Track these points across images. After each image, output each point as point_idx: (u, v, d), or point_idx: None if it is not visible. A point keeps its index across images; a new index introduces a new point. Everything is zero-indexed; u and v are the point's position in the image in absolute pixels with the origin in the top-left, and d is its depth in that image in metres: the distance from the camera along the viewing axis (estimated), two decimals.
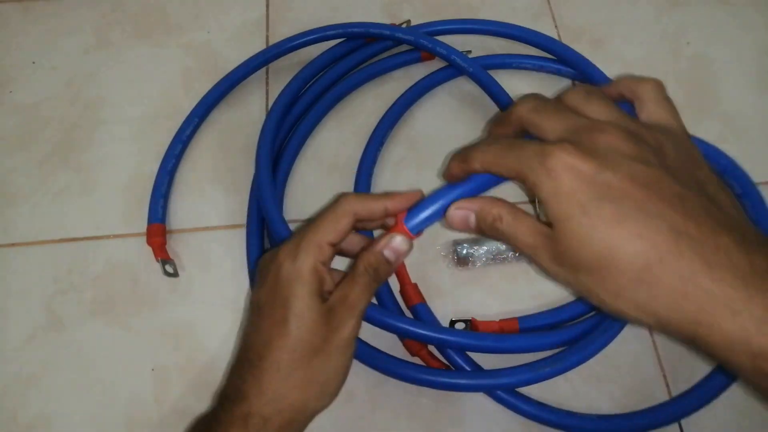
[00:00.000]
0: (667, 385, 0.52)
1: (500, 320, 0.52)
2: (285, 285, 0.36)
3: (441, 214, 0.35)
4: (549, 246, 0.30)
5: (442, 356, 0.52)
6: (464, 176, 0.34)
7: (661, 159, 0.29)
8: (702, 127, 0.65)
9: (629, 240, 0.27)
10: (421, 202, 0.37)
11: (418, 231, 0.37)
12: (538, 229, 0.31)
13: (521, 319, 0.52)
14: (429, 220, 0.36)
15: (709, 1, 0.74)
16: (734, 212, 0.29)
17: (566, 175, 0.28)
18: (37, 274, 0.57)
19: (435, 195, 0.36)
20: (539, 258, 0.31)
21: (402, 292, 0.54)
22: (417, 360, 0.52)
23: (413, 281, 0.55)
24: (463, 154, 0.34)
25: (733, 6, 0.73)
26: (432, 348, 0.53)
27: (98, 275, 0.57)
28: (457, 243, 0.57)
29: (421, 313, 0.53)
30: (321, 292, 0.37)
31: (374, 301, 0.54)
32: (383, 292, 0.54)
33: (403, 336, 0.52)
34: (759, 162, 0.63)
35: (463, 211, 0.34)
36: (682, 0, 0.74)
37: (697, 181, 0.29)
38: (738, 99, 0.67)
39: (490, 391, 0.50)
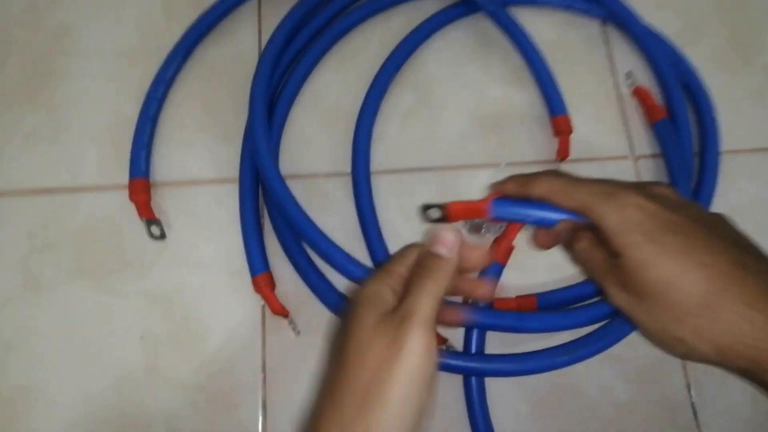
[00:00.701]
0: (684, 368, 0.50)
1: (517, 297, 0.49)
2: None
3: (524, 219, 0.36)
4: (616, 273, 0.31)
5: None
6: (516, 197, 0.36)
7: (704, 210, 0.33)
8: (743, 78, 0.59)
9: (695, 267, 0.29)
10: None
11: (497, 216, 0.37)
12: (608, 258, 0.32)
13: (540, 296, 0.49)
14: (512, 214, 0.36)
15: None
16: None
17: (633, 209, 0.30)
18: (8, 229, 0.52)
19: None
20: (607, 284, 0.32)
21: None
22: None
23: None
24: (525, 178, 0.35)
25: None
26: None
27: (76, 232, 0.52)
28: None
29: None
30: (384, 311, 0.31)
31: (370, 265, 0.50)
32: (378, 255, 0.50)
33: None
34: None
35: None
36: None
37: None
38: None
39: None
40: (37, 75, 0.56)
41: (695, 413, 0.49)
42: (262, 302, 0.50)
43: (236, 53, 0.58)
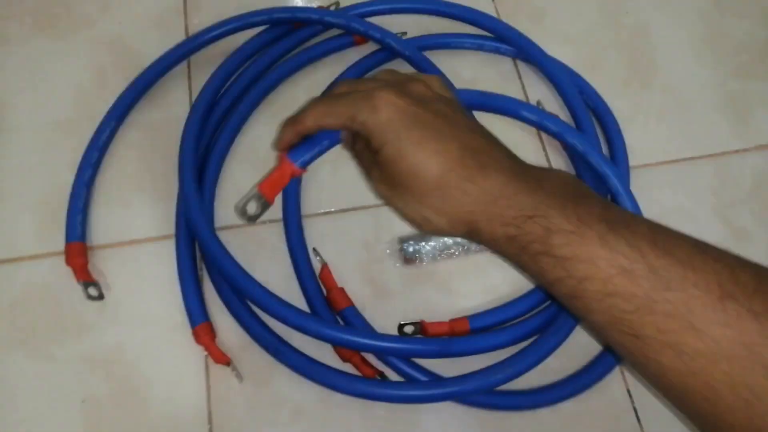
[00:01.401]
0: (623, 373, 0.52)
1: (450, 320, 0.50)
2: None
3: (322, 152, 0.40)
4: (378, 168, 0.36)
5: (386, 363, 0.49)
6: (298, 140, 0.39)
7: (450, 102, 0.38)
8: (644, 98, 0.64)
9: (431, 155, 0.34)
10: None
11: (301, 165, 0.40)
12: (372, 156, 0.37)
13: (471, 318, 0.50)
14: (309, 156, 0.40)
15: None
16: (496, 139, 0.38)
17: (387, 109, 0.34)
18: None
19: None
20: (372, 178, 0.38)
21: (328, 297, 0.51)
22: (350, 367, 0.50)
23: (358, 282, 0.53)
24: (293, 117, 0.39)
25: None
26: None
27: (13, 302, 0.52)
28: (403, 240, 0.54)
29: (350, 317, 0.50)
30: None
31: (307, 309, 0.51)
32: (313, 298, 0.51)
33: (334, 344, 0.49)
34: (701, 133, 0.62)
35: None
36: None
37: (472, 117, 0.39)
38: (678, 69, 0.66)
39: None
40: None
41: (638, 418, 0.50)
42: (205, 354, 0.50)
43: (168, 116, 0.60)
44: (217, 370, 0.50)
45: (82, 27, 0.64)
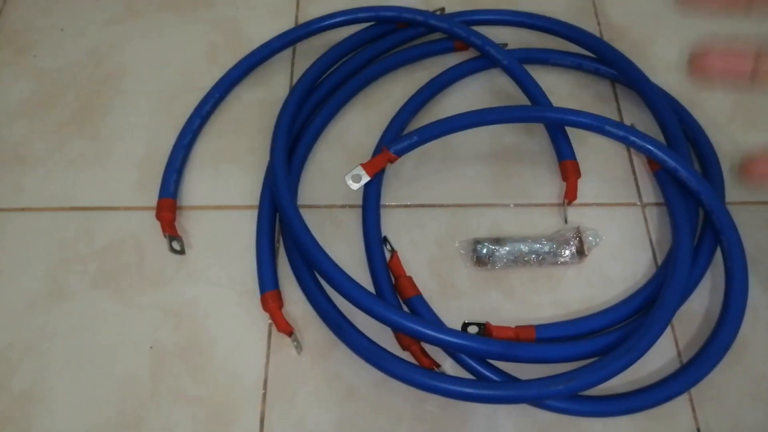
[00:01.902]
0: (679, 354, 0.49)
1: (516, 327, 0.49)
2: None
3: None
4: None
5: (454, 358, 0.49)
6: None
7: None
8: (747, 141, 0.61)
9: None
10: None
11: None
12: None
13: (539, 327, 0.49)
14: None
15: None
16: None
17: None
18: (43, 241, 0.56)
19: None
20: None
21: (397, 285, 0.52)
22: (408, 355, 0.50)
23: (426, 276, 0.53)
24: None
25: None
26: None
27: (105, 247, 0.55)
28: (477, 241, 0.54)
29: (417, 305, 0.50)
30: None
31: (372, 291, 0.52)
32: (381, 282, 0.52)
33: (400, 331, 0.49)
34: None
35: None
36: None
37: None
38: None
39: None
40: (89, 108, 0.63)
41: None
42: (269, 321, 0.52)
43: (268, 96, 0.63)
44: (279, 339, 0.51)
45: (202, 7, 0.69)
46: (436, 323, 0.50)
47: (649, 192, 0.58)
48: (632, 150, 0.60)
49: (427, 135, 0.55)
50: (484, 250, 0.53)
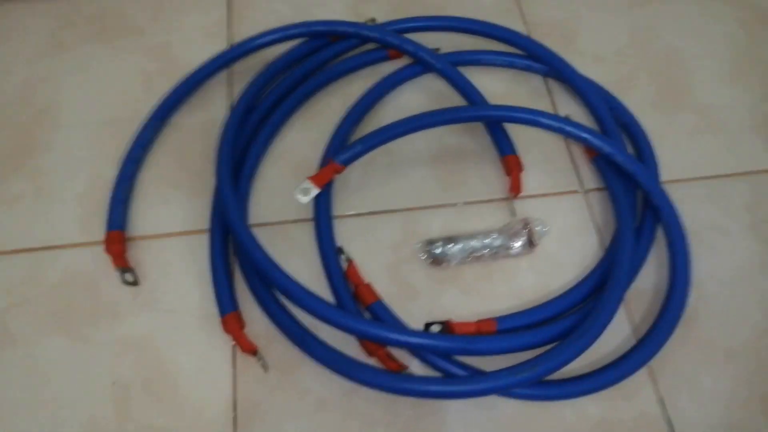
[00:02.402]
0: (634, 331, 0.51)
1: (477, 321, 0.50)
2: None
3: None
4: None
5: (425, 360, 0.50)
6: None
7: None
8: (677, 119, 0.64)
9: None
10: None
11: None
12: None
13: (500, 319, 0.51)
14: None
15: None
16: None
17: None
18: None
19: None
20: None
21: (356, 294, 0.52)
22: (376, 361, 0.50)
23: (385, 281, 0.54)
24: None
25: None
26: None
27: (54, 286, 0.54)
28: (431, 242, 0.55)
29: (378, 311, 0.51)
30: None
31: (332, 300, 0.53)
32: (341, 292, 0.52)
33: (364, 338, 0.50)
34: (734, 151, 0.63)
35: None
36: None
37: None
38: (711, 90, 0.67)
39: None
40: (24, 147, 0.61)
41: (672, 427, 0.49)
42: (233, 343, 0.52)
43: (208, 119, 0.63)
44: (244, 359, 0.51)
45: (133, 35, 0.68)
46: (399, 326, 0.51)
47: (589, 179, 0.60)
48: (569, 140, 0.63)
49: (370, 143, 0.56)
50: (438, 250, 0.55)
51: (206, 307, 0.53)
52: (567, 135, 0.58)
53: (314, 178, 0.55)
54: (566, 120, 0.57)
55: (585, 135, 0.56)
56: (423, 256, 0.55)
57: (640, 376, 0.51)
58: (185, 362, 0.51)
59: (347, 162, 0.56)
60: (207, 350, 0.51)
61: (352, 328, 0.48)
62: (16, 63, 0.66)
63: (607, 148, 0.56)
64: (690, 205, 0.58)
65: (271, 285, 0.52)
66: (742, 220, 0.58)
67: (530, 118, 0.57)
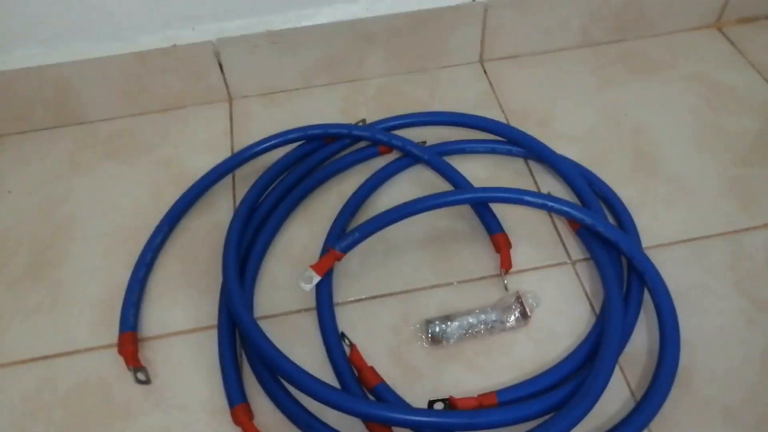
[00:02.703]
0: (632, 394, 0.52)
1: (478, 395, 0.52)
2: None
3: None
4: None
5: None
6: None
7: None
8: (652, 189, 0.68)
9: None
10: None
11: None
12: None
13: (500, 392, 0.52)
14: None
15: (638, 76, 0.80)
16: None
17: None
18: (5, 396, 0.56)
19: None
20: None
21: (360, 377, 0.54)
22: None
23: (388, 363, 0.55)
24: None
25: (660, 77, 0.80)
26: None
27: (68, 391, 0.56)
28: (429, 321, 0.57)
29: (382, 393, 0.53)
30: None
31: (337, 385, 0.54)
32: (345, 377, 0.54)
33: (369, 420, 0.51)
34: (711, 215, 0.66)
35: None
36: (614, 78, 0.81)
37: None
38: (681, 160, 0.71)
39: None
40: (43, 260, 0.65)
41: None
42: None
43: (214, 222, 0.67)
44: None
45: (143, 152, 0.75)
46: (403, 406, 0.52)
47: (576, 250, 0.63)
48: (553, 214, 0.66)
49: (367, 230, 0.60)
50: (437, 329, 0.57)
51: (216, 402, 0.54)
52: (550, 210, 0.61)
53: (316, 267, 0.58)
54: (548, 196, 0.60)
55: (566, 209, 0.59)
56: (423, 335, 0.57)
57: None
58: None
59: (346, 249, 0.59)
60: None
61: (358, 410, 0.49)
62: (36, 183, 0.72)
63: (588, 220, 0.59)
64: (673, 268, 0.60)
65: (277, 374, 0.54)
66: (726, 278, 0.60)
67: (515, 197, 0.61)
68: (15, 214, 0.69)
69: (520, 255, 0.62)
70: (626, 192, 0.66)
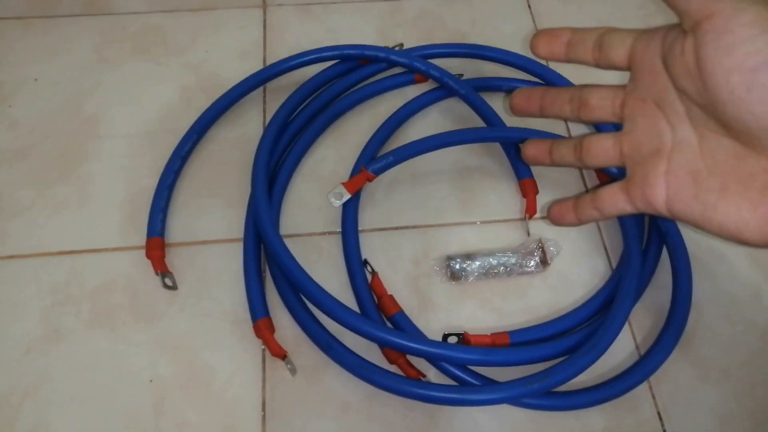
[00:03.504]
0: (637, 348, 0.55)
1: (492, 334, 0.54)
2: None
3: None
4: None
5: (437, 368, 0.53)
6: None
7: None
8: None
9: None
10: None
11: None
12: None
13: (513, 333, 0.54)
14: None
15: None
16: None
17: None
18: (34, 286, 0.57)
19: None
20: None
21: (379, 304, 0.56)
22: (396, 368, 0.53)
23: (406, 294, 0.57)
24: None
25: None
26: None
27: (96, 287, 0.57)
28: (450, 258, 0.58)
29: (400, 321, 0.54)
30: None
31: (357, 309, 0.56)
32: (365, 302, 0.56)
33: (386, 347, 0.53)
34: None
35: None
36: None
37: None
38: None
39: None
40: (71, 155, 0.64)
41: None
42: (263, 347, 0.55)
43: (243, 134, 0.66)
44: (273, 363, 0.54)
45: (174, 53, 0.72)
46: (419, 336, 0.54)
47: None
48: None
49: (401, 155, 0.60)
50: (457, 266, 0.58)
51: (239, 313, 0.56)
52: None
53: (347, 184, 0.59)
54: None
55: None
56: (442, 271, 0.58)
57: (641, 391, 0.54)
58: (218, 364, 0.54)
59: (378, 171, 0.59)
60: (239, 354, 0.55)
61: (375, 336, 0.51)
62: (63, 75, 0.70)
63: (615, 170, 0.59)
64: (692, 232, 0.61)
65: (299, 292, 0.56)
66: (740, 247, 0.61)
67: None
68: (41, 104, 0.68)
69: (545, 202, 0.63)
70: None
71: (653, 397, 0.54)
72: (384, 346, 0.53)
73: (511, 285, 0.58)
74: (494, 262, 0.58)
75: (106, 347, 0.55)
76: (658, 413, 0.53)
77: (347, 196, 0.59)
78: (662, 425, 0.53)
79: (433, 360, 0.53)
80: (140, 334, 0.55)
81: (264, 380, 0.54)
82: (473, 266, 0.58)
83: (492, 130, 0.64)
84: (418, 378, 0.52)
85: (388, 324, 0.56)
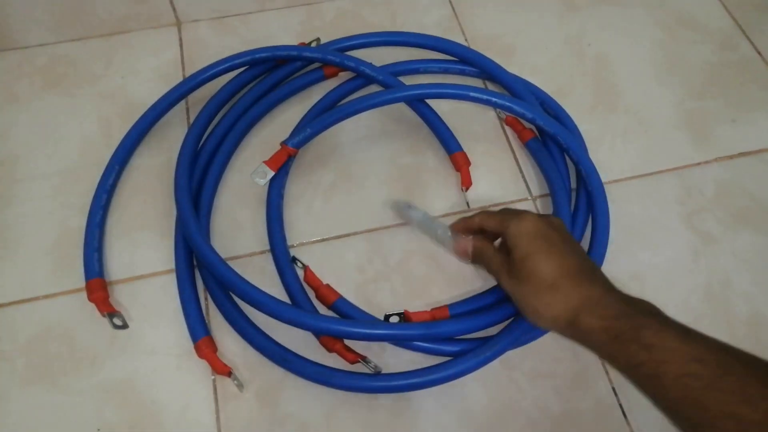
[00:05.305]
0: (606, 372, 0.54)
1: (431, 309, 0.53)
2: None
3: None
4: (506, 266, 0.47)
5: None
6: (465, 231, 0.52)
7: (571, 236, 0.48)
8: (610, 122, 0.67)
9: (550, 263, 0.44)
10: None
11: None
12: (503, 257, 0.48)
13: (451, 306, 0.53)
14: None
15: (600, 4, 0.77)
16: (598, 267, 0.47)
17: (529, 224, 0.46)
18: None
19: None
20: (501, 273, 0.47)
21: (318, 295, 0.54)
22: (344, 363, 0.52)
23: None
24: (467, 218, 0.52)
25: (622, 6, 0.77)
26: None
27: (30, 340, 0.53)
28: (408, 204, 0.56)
29: (343, 308, 0.53)
30: None
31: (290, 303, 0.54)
32: (296, 294, 0.54)
33: (327, 334, 0.51)
34: (664, 149, 0.66)
35: (463, 245, 0.51)
36: (577, 4, 0.77)
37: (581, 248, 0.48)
38: (639, 92, 0.70)
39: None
40: None
41: (624, 414, 0.52)
42: (213, 377, 0.52)
43: (168, 157, 0.62)
44: (225, 391, 0.51)
45: (87, 83, 0.68)
46: (361, 321, 0.52)
47: (537, 186, 0.63)
48: (516, 150, 0.65)
49: (318, 126, 0.58)
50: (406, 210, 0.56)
51: (183, 344, 0.53)
52: (493, 105, 0.60)
53: (269, 162, 0.57)
54: (492, 92, 0.59)
55: (509, 104, 0.59)
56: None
57: (595, 369, 0.54)
58: (169, 401, 0.51)
59: (298, 145, 0.58)
60: (189, 386, 0.51)
61: (317, 326, 0.49)
62: None
63: (528, 114, 0.59)
64: (628, 203, 0.61)
65: (231, 291, 0.53)
66: (675, 212, 0.61)
67: (459, 92, 0.59)
68: None
69: (483, 192, 0.62)
70: (587, 126, 0.65)
71: (607, 373, 0.54)
72: (326, 334, 0.51)
73: (445, 262, 0.58)
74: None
75: (48, 402, 0.51)
76: (613, 389, 0.53)
77: (271, 173, 0.57)
78: (618, 400, 0.53)
79: (378, 341, 0.53)
80: (82, 383, 0.52)
81: (217, 411, 0.51)
82: (418, 214, 0.55)
83: (408, 88, 0.60)
84: (357, 360, 0.50)
85: (333, 314, 0.54)
